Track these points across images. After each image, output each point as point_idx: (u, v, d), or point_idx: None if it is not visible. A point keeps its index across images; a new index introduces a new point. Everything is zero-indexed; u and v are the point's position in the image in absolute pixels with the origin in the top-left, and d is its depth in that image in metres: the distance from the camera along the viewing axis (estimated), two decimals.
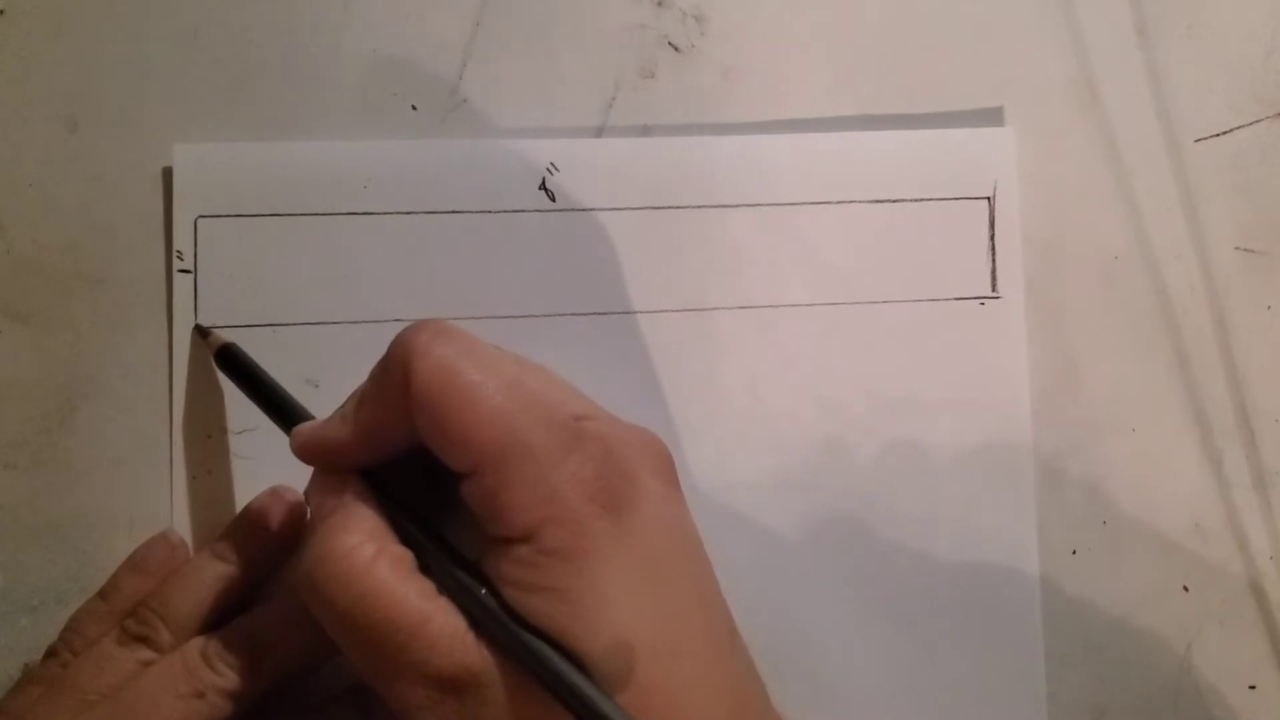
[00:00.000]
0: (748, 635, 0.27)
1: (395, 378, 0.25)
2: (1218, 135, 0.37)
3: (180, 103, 0.35)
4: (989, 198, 0.36)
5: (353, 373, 0.34)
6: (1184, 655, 0.35)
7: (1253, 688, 0.35)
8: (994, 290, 0.36)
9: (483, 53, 0.36)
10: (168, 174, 0.35)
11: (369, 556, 0.25)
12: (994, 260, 0.36)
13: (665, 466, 0.27)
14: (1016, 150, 0.36)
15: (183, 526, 0.33)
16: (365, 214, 0.35)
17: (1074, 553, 0.35)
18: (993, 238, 0.36)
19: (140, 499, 0.34)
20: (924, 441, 0.35)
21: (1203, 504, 0.36)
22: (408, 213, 0.35)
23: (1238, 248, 0.36)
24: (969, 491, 0.35)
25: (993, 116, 0.36)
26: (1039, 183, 0.36)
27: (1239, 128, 0.37)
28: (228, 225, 0.34)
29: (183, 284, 0.34)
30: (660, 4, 0.36)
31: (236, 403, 0.34)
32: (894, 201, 0.36)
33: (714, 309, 0.35)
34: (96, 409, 0.34)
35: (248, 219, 0.34)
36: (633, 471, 0.26)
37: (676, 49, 0.36)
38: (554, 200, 0.35)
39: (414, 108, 0.36)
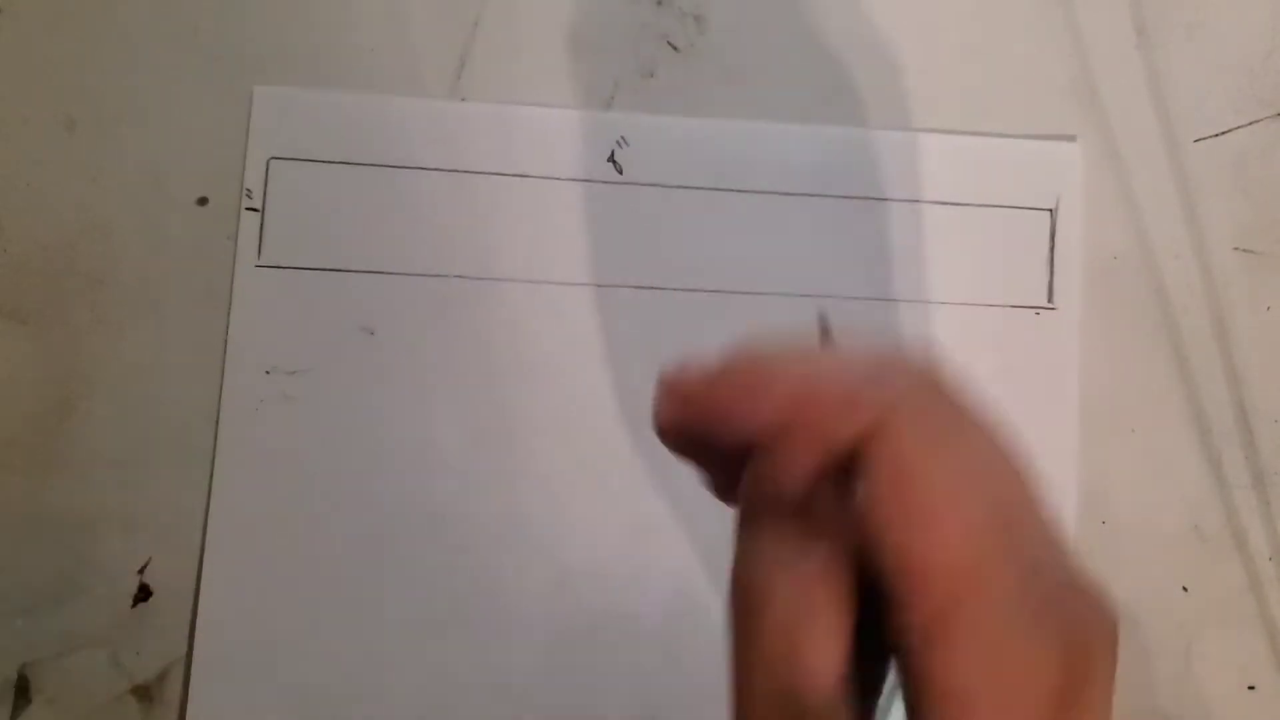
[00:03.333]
0: None
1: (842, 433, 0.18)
2: (1218, 135, 0.37)
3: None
4: (1051, 210, 0.36)
5: (409, 323, 0.34)
6: (1184, 655, 0.35)
7: (1252, 688, 0.35)
8: (1050, 301, 0.36)
9: (481, 53, 0.36)
10: (165, 173, 0.35)
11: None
12: (1052, 272, 0.36)
13: (1113, 655, 0.21)
14: (1083, 166, 0.36)
15: (228, 467, 0.33)
16: (434, 170, 0.35)
17: None
18: (1052, 250, 0.36)
19: (138, 499, 0.33)
20: None
21: (1202, 504, 0.36)
22: (476, 173, 0.35)
23: (1237, 248, 0.36)
24: None
25: (1057, 127, 0.36)
26: None
27: (1239, 128, 0.37)
28: (299, 169, 0.35)
29: (249, 222, 0.34)
30: (660, 3, 0.36)
31: (289, 340, 0.34)
32: (958, 205, 0.36)
33: (765, 294, 0.35)
34: (94, 409, 0.34)
35: (319, 164, 0.35)
36: (1094, 670, 0.20)
37: (675, 48, 0.36)
38: (621, 173, 0.35)
39: None
